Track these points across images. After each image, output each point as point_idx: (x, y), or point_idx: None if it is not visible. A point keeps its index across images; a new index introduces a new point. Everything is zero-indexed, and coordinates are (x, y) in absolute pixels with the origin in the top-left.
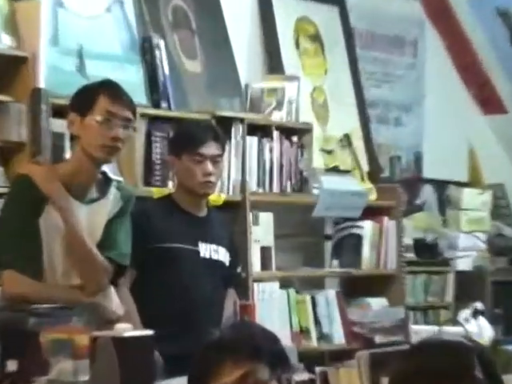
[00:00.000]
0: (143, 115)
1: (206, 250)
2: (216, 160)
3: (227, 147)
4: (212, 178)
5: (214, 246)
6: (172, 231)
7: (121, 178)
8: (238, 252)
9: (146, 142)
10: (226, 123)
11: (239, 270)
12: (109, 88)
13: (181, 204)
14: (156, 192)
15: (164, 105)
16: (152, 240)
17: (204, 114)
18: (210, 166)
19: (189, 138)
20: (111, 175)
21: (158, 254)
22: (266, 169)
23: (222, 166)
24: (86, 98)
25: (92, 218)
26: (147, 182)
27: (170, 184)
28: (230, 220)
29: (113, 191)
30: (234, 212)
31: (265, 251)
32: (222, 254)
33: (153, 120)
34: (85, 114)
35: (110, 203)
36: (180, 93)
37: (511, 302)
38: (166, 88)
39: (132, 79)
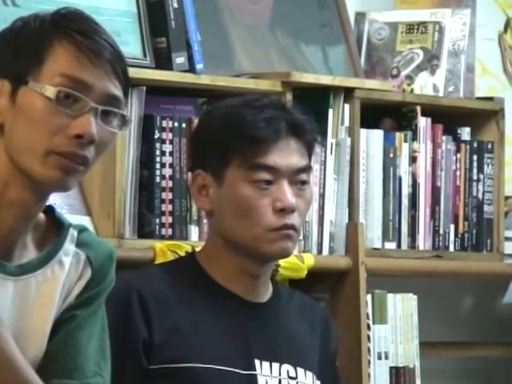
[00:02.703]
0: (136, 84)
1: (272, 376)
2: (299, 180)
3: (319, 151)
4: (294, 220)
5: (287, 368)
6: (198, 338)
7: (84, 223)
8: None
9: (140, 140)
10: (315, 100)
11: None
12: (73, 28)
13: (217, 278)
14: (161, 250)
15: (179, 61)
16: (155, 355)
17: (270, 82)
18: (288, 194)
19: (242, 133)
20: (62, 215)
21: (168, 382)
22: (403, 200)
23: (310, 194)
24: (26, 47)
25: (26, 305)
26: (143, 229)
27: (194, 233)
28: (329, 312)
29: (69, 250)
30: (333, 293)
31: (399, 376)
32: None
33: (156, 93)
34: (22, 79)
35: (63, 275)
36: (217, 41)
37: None
38: (184, 30)
39: (111, 10)
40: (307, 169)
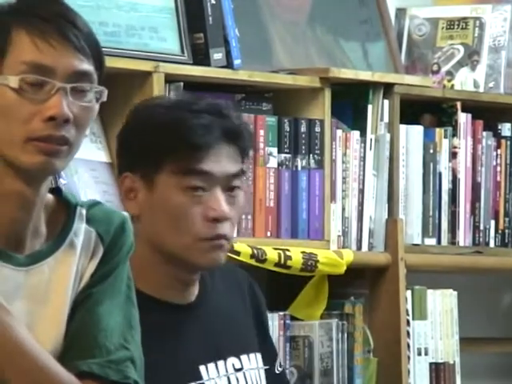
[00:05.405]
0: (173, 80)
1: (221, 376)
2: (232, 185)
3: (358, 147)
4: (227, 230)
5: (232, 362)
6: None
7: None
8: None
9: None
10: (354, 96)
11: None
12: (29, 13)
13: (145, 289)
14: None
15: (217, 57)
16: None
17: (308, 78)
18: (222, 202)
19: (179, 139)
20: (69, 194)
21: None
22: (443, 196)
23: (242, 199)
24: None
25: (40, 293)
26: None
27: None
28: None
29: (80, 229)
30: (373, 290)
31: (439, 372)
32: (252, 375)
33: (194, 89)
34: None
35: (75, 257)
36: (255, 37)
37: None
38: (222, 25)
39: (149, 6)
40: (240, 174)
